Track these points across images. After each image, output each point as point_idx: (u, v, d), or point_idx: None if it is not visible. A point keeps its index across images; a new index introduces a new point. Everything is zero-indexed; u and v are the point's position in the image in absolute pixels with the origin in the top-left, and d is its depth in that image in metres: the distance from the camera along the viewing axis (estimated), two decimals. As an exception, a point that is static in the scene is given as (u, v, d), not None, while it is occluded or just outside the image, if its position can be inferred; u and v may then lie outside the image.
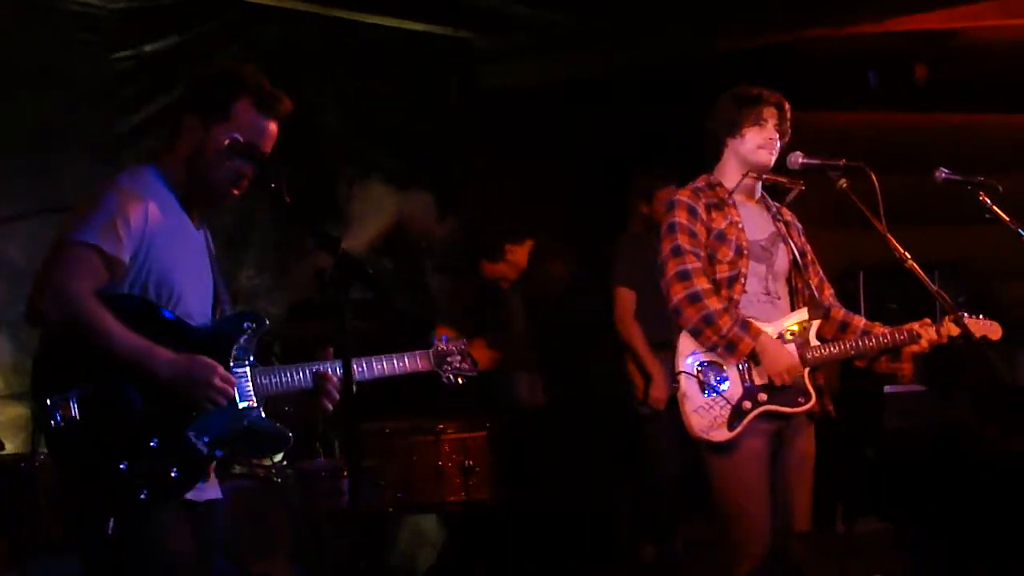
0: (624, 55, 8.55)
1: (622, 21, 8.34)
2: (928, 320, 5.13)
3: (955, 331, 5.06)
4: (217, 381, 3.69)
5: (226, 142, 3.84)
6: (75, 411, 3.59)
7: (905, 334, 5.14)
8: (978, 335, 5.05)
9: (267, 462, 6.24)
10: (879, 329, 5.22)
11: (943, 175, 5.04)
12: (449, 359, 4.37)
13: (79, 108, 7.13)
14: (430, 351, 4.34)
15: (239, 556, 5.86)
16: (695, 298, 5.03)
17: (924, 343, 5.12)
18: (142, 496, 3.61)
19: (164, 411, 3.67)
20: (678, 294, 5.06)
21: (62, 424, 3.59)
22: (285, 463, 6.31)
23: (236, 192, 3.93)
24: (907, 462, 7.12)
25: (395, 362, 4.22)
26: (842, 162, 5.05)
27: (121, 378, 3.63)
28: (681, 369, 5.12)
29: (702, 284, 5.04)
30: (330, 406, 3.96)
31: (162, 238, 3.78)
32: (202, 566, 3.86)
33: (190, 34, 7.57)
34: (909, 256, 4.91)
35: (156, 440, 3.66)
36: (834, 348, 5.14)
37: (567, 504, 6.98)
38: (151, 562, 3.68)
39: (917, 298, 5.11)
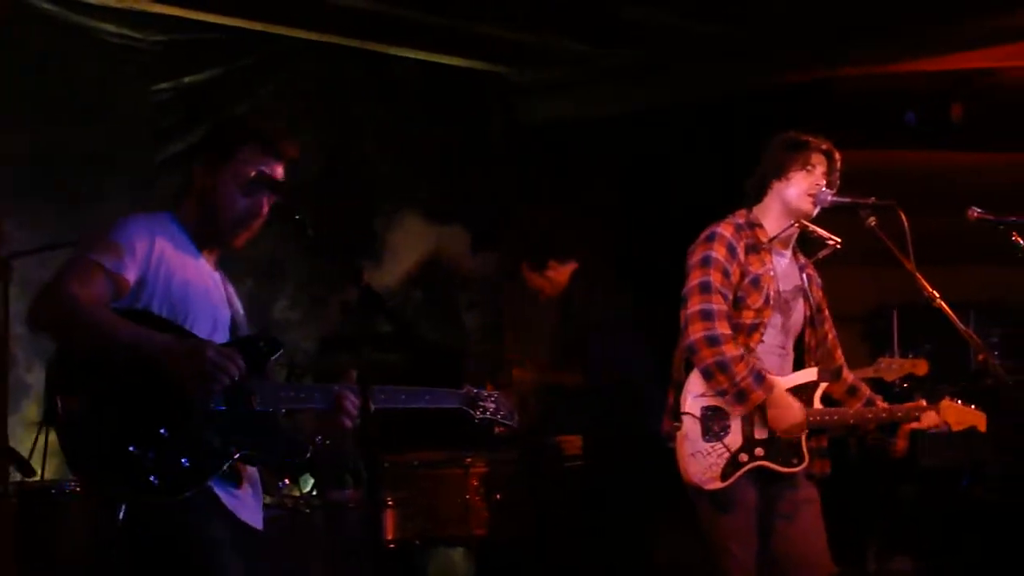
0: (661, 90, 8.57)
1: (660, 56, 8.36)
2: (924, 402, 5.11)
3: (950, 418, 5.08)
4: (214, 354, 3.70)
5: (252, 173, 3.95)
6: (84, 404, 3.66)
7: (903, 412, 5.13)
8: (964, 425, 5.08)
9: (296, 492, 6.26)
10: (881, 403, 5.21)
11: (976, 214, 4.99)
12: (482, 403, 4.39)
13: (119, 138, 7.23)
14: (459, 392, 4.37)
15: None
16: (714, 341, 4.92)
17: (923, 423, 5.12)
18: (152, 479, 3.64)
19: (173, 402, 3.71)
20: (696, 333, 4.95)
21: (71, 416, 3.66)
22: (314, 494, 6.33)
23: (249, 230, 4.03)
24: (940, 500, 7.08)
25: (422, 396, 4.24)
26: (871, 200, 5.02)
27: (128, 374, 3.68)
28: (686, 409, 5.03)
29: (723, 328, 4.94)
30: (348, 423, 3.98)
31: (174, 266, 3.89)
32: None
33: (230, 67, 7.66)
34: (938, 295, 4.88)
35: (165, 429, 3.70)
36: (835, 415, 5.12)
37: (597, 539, 6.94)
38: (188, 552, 3.76)
39: (951, 337, 5.06)
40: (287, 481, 6.23)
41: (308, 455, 3.99)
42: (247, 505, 3.95)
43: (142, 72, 7.31)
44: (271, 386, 3.95)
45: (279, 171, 4.03)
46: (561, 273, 7.07)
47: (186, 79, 7.48)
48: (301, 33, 7.95)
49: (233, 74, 7.69)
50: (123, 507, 3.72)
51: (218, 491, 3.82)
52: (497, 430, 4.57)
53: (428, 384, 4.30)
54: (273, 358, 4.00)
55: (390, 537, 6.44)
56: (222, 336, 4.01)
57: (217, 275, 4.10)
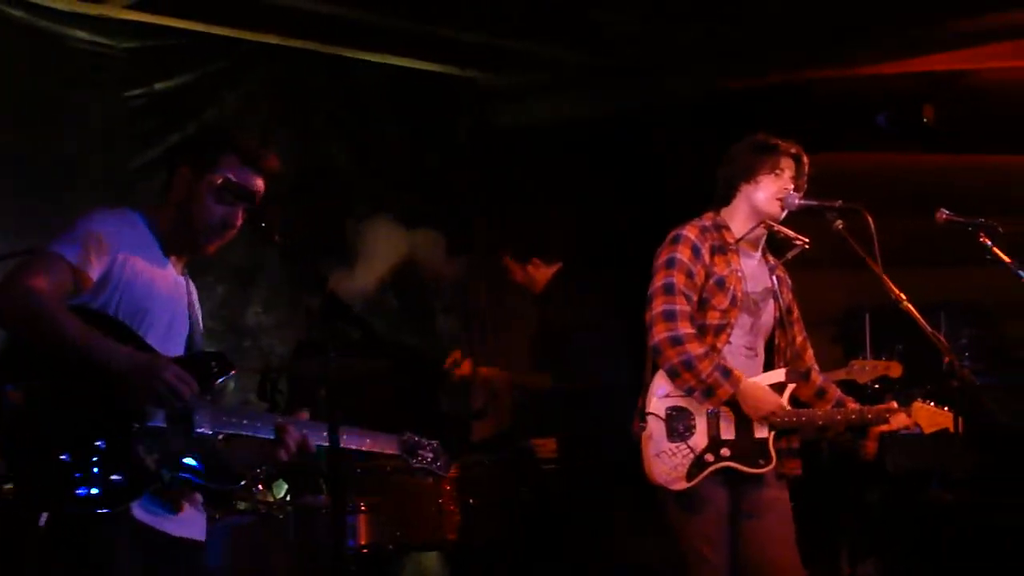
0: (631, 94, 8.58)
1: (630, 60, 8.37)
2: (895, 403, 5.15)
3: (923, 420, 5.10)
4: (171, 375, 3.68)
5: (219, 180, 3.96)
6: (24, 400, 3.61)
7: (873, 414, 5.15)
8: (937, 427, 5.11)
9: (270, 498, 6.25)
10: (851, 404, 5.24)
11: (944, 216, 5.02)
12: (420, 452, 4.42)
13: (92, 146, 7.20)
14: (400, 438, 4.38)
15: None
16: (677, 341, 4.97)
17: (894, 425, 5.13)
18: (79, 492, 3.57)
19: (114, 414, 3.66)
20: (660, 334, 5.00)
21: (8, 410, 3.61)
22: (287, 499, 6.32)
23: (223, 238, 4.05)
24: (909, 504, 7.11)
25: (364, 439, 4.23)
26: (838, 203, 5.05)
27: (75, 376, 3.64)
28: (650, 410, 5.07)
29: (686, 328, 4.99)
30: (285, 457, 3.97)
31: (139, 267, 3.87)
32: None
33: (200, 73, 7.65)
34: (906, 298, 4.90)
35: (103, 442, 3.64)
36: (803, 416, 5.13)
37: (572, 543, 6.95)
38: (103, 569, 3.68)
39: (923, 339, 5.09)
40: (260, 487, 6.21)
41: (239, 485, 4.00)
42: (181, 520, 3.90)
43: (115, 78, 7.29)
44: (214, 410, 3.89)
45: (259, 183, 4.03)
46: (543, 273, 7.09)
47: (157, 85, 7.47)
48: (270, 38, 7.93)
49: (203, 80, 7.67)
50: (45, 515, 3.66)
51: (139, 509, 3.75)
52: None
53: (402, 392, 4.32)
54: (222, 380, 3.97)
55: (364, 542, 6.43)
56: (176, 343, 3.99)
57: (183, 280, 4.08)
